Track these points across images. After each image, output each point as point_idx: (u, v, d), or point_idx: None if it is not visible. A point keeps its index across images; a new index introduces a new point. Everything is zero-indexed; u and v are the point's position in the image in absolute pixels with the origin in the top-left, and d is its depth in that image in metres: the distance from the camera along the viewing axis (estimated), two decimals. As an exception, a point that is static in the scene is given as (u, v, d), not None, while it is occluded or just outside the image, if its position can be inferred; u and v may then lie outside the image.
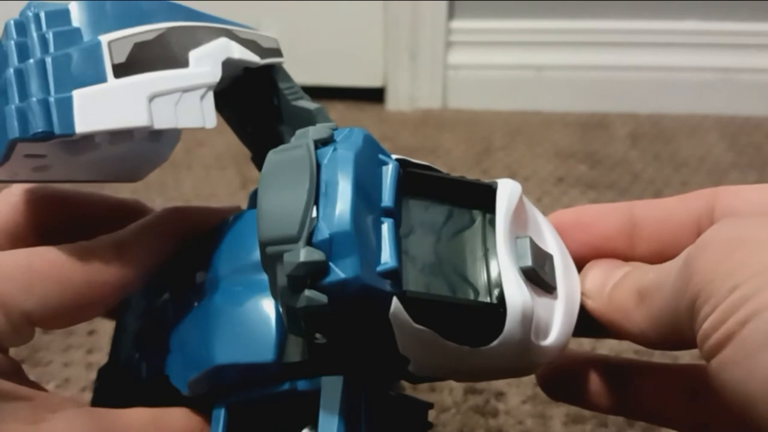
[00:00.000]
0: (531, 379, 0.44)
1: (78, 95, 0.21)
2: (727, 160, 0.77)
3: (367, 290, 0.19)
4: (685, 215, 0.24)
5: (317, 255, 0.19)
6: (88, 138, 0.22)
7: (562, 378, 0.27)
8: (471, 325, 0.21)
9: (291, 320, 0.20)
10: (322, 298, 0.19)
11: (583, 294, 0.24)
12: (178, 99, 0.23)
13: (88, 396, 0.42)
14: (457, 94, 0.94)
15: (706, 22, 0.90)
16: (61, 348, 0.46)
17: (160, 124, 0.22)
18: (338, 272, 0.19)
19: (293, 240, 0.19)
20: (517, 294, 0.21)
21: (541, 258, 0.23)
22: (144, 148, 0.26)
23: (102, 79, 0.21)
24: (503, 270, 0.22)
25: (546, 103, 0.92)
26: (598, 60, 0.91)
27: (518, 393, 0.42)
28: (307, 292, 0.19)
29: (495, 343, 0.21)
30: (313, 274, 0.19)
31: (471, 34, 0.93)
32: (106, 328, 0.48)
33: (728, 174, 0.73)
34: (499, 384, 0.43)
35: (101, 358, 0.45)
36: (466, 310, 0.21)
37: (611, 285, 0.23)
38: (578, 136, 0.84)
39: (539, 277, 0.22)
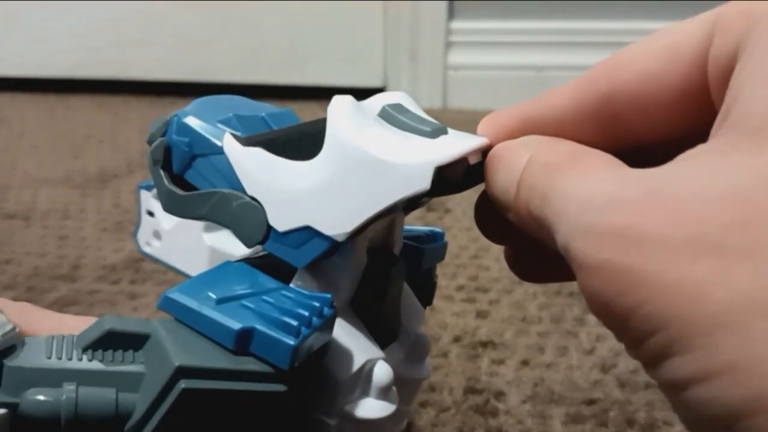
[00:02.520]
0: (531, 378, 0.44)
1: None
2: (726, 160, 0.77)
3: None
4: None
5: None
6: None
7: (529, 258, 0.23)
8: None
9: None
10: None
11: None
12: None
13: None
14: (457, 94, 0.94)
15: (706, 23, 0.90)
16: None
17: None
18: None
19: None
20: None
21: None
22: None
23: None
24: None
25: (546, 104, 0.92)
26: (598, 60, 0.91)
27: (518, 393, 0.42)
28: None
29: None
30: None
31: (471, 35, 0.93)
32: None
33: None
34: (499, 384, 0.43)
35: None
36: None
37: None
38: (578, 136, 0.84)
39: None
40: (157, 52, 1.01)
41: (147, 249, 0.37)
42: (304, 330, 0.19)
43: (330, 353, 0.21)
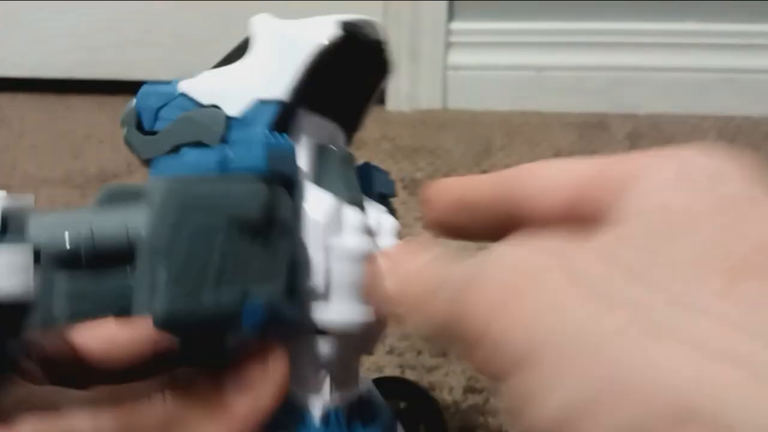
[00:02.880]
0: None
1: None
2: (725, 160, 0.77)
3: None
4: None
5: None
6: None
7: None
8: None
9: None
10: None
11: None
12: None
13: (89, 395, 0.42)
14: (457, 95, 0.94)
15: (705, 24, 0.90)
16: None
17: None
18: None
19: None
20: None
21: None
22: None
23: None
24: None
25: (545, 104, 0.92)
26: (598, 61, 0.92)
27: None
28: None
29: None
30: None
31: (471, 35, 0.93)
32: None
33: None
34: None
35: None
36: None
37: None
38: (577, 136, 0.85)
39: None
40: (157, 52, 1.01)
41: None
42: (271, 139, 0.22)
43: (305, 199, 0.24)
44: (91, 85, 1.02)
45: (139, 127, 0.26)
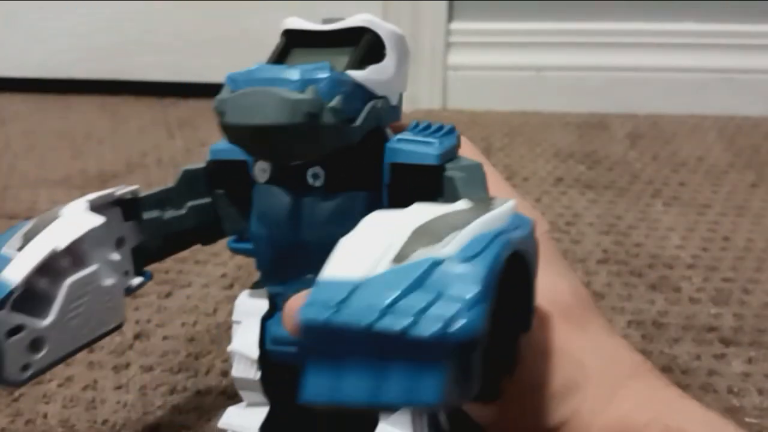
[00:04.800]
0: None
1: None
2: (725, 160, 0.77)
3: None
4: None
5: None
6: None
7: None
8: None
9: None
10: None
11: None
12: None
13: (89, 395, 0.42)
14: (457, 95, 0.94)
15: (704, 24, 0.90)
16: (62, 347, 0.46)
17: None
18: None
19: None
20: None
21: None
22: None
23: None
24: None
25: (545, 104, 0.92)
26: (597, 61, 0.92)
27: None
28: None
29: None
30: None
31: (471, 35, 0.93)
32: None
33: (726, 174, 0.74)
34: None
35: (103, 357, 0.45)
36: None
37: None
38: (577, 136, 0.85)
39: None
40: (157, 52, 1.01)
41: (24, 376, 0.28)
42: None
43: None
44: (91, 86, 1.02)
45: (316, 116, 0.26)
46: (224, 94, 0.27)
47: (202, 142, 0.85)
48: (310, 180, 0.28)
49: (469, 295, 0.20)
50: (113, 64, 1.02)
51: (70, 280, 0.27)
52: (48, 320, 0.27)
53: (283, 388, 0.33)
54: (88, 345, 0.29)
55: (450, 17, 0.92)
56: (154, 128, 0.90)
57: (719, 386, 0.43)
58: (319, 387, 0.21)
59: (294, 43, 0.30)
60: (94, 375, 0.44)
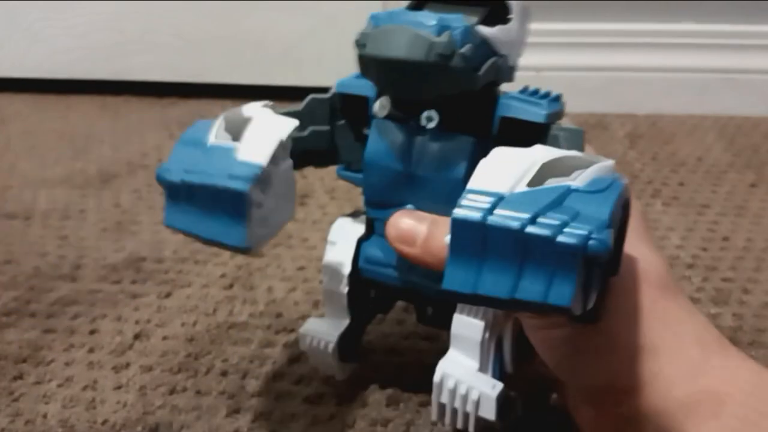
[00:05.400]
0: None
1: None
2: (724, 160, 0.77)
3: None
4: None
5: None
6: None
7: None
8: None
9: None
10: None
11: (397, 240, 0.30)
12: None
13: (89, 395, 0.42)
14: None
15: (704, 24, 0.90)
16: (62, 347, 0.46)
17: None
18: None
19: None
20: None
21: None
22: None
23: None
24: None
25: (545, 104, 0.92)
26: (597, 61, 0.92)
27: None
28: None
29: None
30: None
31: (470, 35, 0.93)
32: (107, 327, 0.49)
33: (726, 174, 0.74)
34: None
35: (102, 357, 0.45)
36: None
37: (422, 235, 0.30)
38: (577, 136, 0.85)
39: None
40: (157, 52, 1.01)
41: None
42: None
43: None
44: (91, 86, 1.02)
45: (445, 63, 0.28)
46: (367, 29, 0.30)
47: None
48: (423, 122, 0.31)
49: (602, 218, 0.23)
50: (113, 64, 1.02)
51: (282, 168, 0.31)
52: (270, 200, 0.30)
53: (365, 306, 0.38)
54: (275, 233, 0.32)
55: (450, 17, 0.92)
56: (154, 128, 0.90)
57: (719, 386, 0.43)
58: (462, 278, 0.24)
59: None
60: (94, 375, 0.44)
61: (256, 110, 0.32)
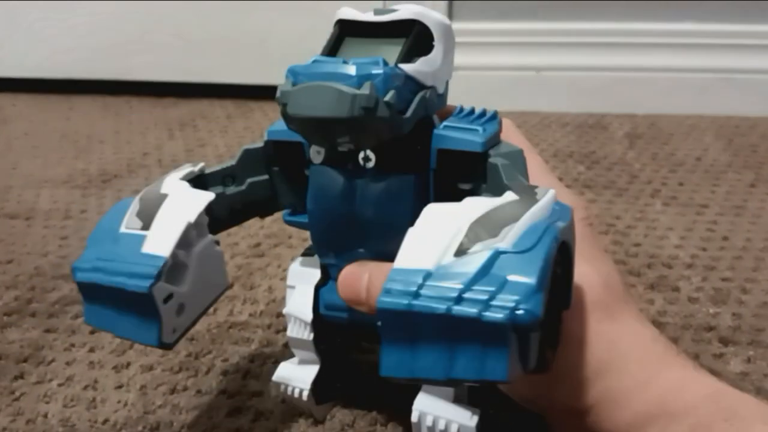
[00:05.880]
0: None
1: None
2: (723, 160, 0.77)
3: None
4: None
5: None
6: None
7: None
8: None
9: None
10: None
11: (347, 300, 0.31)
12: None
13: (90, 394, 0.42)
14: (457, 95, 0.94)
15: (703, 24, 0.90)
16: (63, 347, 0.46)
17: None
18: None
19: None
20: None
21: None
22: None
23: None
24: None
25: (544, 104, 0.92)
26: (596, 61, 0.92)
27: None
28: None
29: None
30: None
31: (470, 36, 0.93)
32: (108, 326, 0.49)
33: (724, 174, 0.74)
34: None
35: (103, 356, 0.46)
36: None
37: (365, 290, 0.30)
38: (576, 136, 0.85)
39: None
40: (157, 52, 1.01)
41: (173, 337, 0.32)
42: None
43: None
44: (92, 86, 1.03)
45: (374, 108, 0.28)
46: (286, 86, 0.29)
47: (203, 142, 0.86)
48: (361, 162, 0.31)
49: (530, 283, 0.23)
50: (114, 64, 1.02)
51: (198, 249, 0.31)
52: (186, 287, 0.30)
53: (333, 348, 0.38)
54: (209, 308, 0.32)
55: (450, 17, 0.92)
56: (155, 128, 0.90)
57: (717, 385, 0.43)
58: (397, 363, 0.24)
59: (346, 32, 0.32)
60: (95, 374, 0.44)
61: (173, 185, 0.32)
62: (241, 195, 0.35)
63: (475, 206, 0.26)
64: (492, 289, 0.23)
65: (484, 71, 0.94)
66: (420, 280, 0.24)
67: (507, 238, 0.24)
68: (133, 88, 1.02)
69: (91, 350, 0.46)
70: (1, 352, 0.46)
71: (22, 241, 0.61)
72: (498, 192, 0.27)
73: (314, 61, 0.30)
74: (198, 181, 0.34)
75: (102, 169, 0.77)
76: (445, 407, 0.31)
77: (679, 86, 0.91)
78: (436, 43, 0.31)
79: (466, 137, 0.30)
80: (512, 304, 0.22)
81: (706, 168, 0.76)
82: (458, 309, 0.23)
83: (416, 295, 0.23)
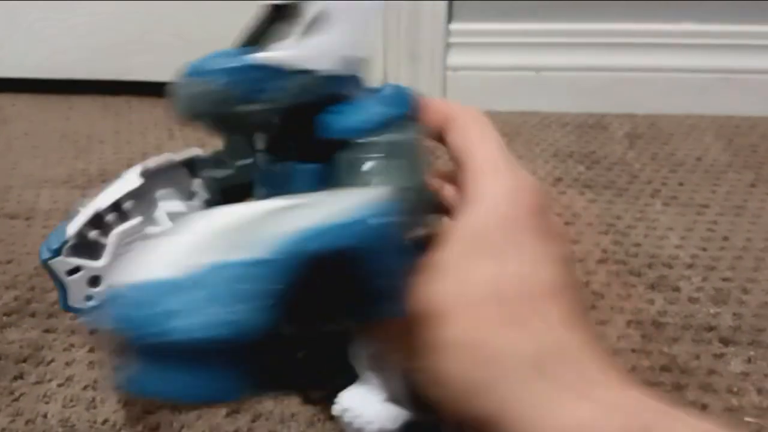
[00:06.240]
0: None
1: None
2: (723, 160, 0.77)
3: None
4: None
5: None
6: None
7: None
8: None
9: None
10: None
11: None
12: None
13: (90, 394, 0.42)
14: (457, 95, 0.94)
15: (703, 24, 0.90)
16: (63, 347, 0.46)
17: None
18: None
19: None
20: None
21: None
22: None
23: None
24: None
25: (544, 104, 0.92)
26: (596, 61, 0.92)
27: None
28: None
29: None
30: None
31: (470, 36, 0.93)
32: (108, 327, 0.49)
33: (724, 174, 0.74)
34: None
35: (103, 356, 0.45)
36: None
37: None
38: (576, 136, 0.85)
39: None
40: (158, 53, 1.01)
41: (89, 304, 0.39)
42: None
43: None
44: (92, 86, 1.03)
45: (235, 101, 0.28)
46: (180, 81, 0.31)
47: (203, 142, 0.86)
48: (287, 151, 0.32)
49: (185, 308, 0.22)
50: (114, 64, 1.02)
51: (116, 231, 0.36)
52: (102, 262, 0.36)
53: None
54: None
55: (450, 18, 0.92)
56: (155, 128, 0.90)
57: (718, 386, 0.43)
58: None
59: (277, 17, 0.33)
60: (95, 374, 0.44)
61: (130, 172, 0.38)
62: (231, 178, 0.39)
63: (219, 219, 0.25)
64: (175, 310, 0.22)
65: (484, 71, 0.94)
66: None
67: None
68: (133, 88, 1.01)
69: (91, 350, 0.46)
70: (0, 352, 0.46)
71: (22, 241, 0.61)
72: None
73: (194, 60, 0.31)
74: (193, 165, 0.39)
75: (102, 169, 0.77)
76: (372, 405, 0.30)
77: (679, 86, 0.91)
78: (332, 23, 0.29)
79: (340, 124, 0.30)
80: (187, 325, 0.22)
81: (706, 168, 0.76)
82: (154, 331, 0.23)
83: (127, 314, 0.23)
